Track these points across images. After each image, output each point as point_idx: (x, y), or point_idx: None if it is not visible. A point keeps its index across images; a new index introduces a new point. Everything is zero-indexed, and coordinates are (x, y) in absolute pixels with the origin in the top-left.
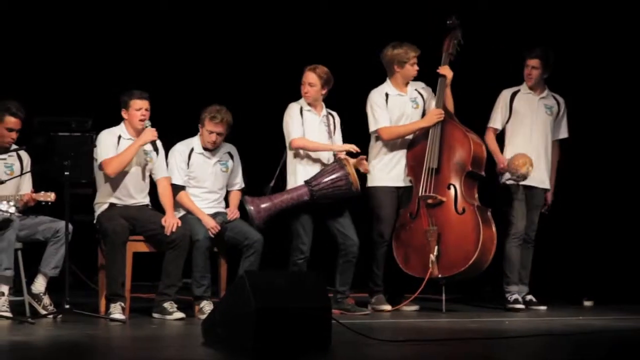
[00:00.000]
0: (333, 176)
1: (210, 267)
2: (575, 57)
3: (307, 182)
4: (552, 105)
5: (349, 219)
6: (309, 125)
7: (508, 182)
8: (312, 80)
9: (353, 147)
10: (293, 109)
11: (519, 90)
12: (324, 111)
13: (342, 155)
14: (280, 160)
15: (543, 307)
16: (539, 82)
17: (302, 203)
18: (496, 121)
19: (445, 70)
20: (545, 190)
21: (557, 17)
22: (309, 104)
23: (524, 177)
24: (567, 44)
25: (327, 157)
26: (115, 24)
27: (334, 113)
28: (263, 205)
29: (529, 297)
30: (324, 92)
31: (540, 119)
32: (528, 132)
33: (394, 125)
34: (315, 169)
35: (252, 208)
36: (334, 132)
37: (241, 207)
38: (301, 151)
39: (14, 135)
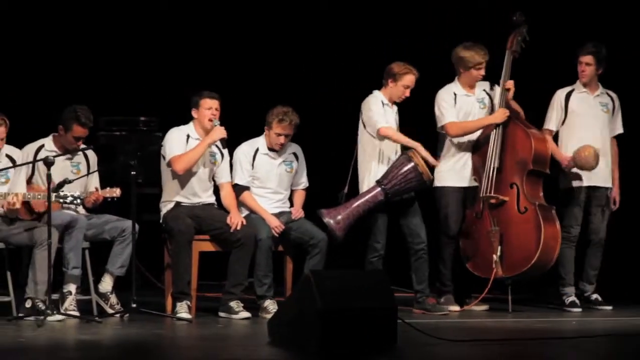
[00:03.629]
0: (402, 170)
1: (273, 267)
2: (625, 51)
3: (378, 182)
4: (607, 102)
5: (419, 217)
6: (388, 117)
7: (571, 186)
8: (412, 85)
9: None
10: (375, 100)
11: (573, 90)
12: (395, 107)
13: (412, 146)
14: (351, 163)
15: (609, 307)
16: (593, 79)
17: (378, 204)
18: (551, 122)
19: (509, 84)
20: (609, 189)
21: (608, 11)
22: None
23: (592, 167)
24: (618, 37)
25: (395, 152)
26: (186, 24)
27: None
28: (340, 216)
29: (595, 296)
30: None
31: (597, 117)
32: (585, 131)
33: (461, 121)
34: (384, 166)
35: (330, 221)
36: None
37: (306, 207)
38: (374, 148)
39: (80, 143)
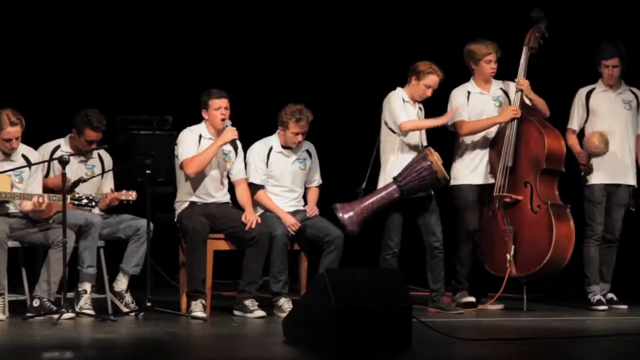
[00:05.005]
0: (417, 168)
1: (288, 264)
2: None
3: (395, 179)
4: (630, 100)
5: (436, 216)
6: (409, 115)
7: (593, 183)
8: (435, 85)
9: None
10: (396, 97)
11: (594, 89)
12: (418, 104)
13: (438, 123)
14: (370, 159)
15: (624, 306)
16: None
17: (393, 201)
18: (573, 122)
19: (522, 83)
20: (631, 187)
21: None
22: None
23: (602, 152)
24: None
25: (417, 150)
26: (196, 23)
27: (421, 106)
28: (354, 211)
29: (610, 295)
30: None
31: (619, 115)
32: (608, 130)
33: (471, 120)
34: (403, 164)
35: (344, 216)
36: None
37: (320, 204)
38: (395, 144)
39: (94, 145)
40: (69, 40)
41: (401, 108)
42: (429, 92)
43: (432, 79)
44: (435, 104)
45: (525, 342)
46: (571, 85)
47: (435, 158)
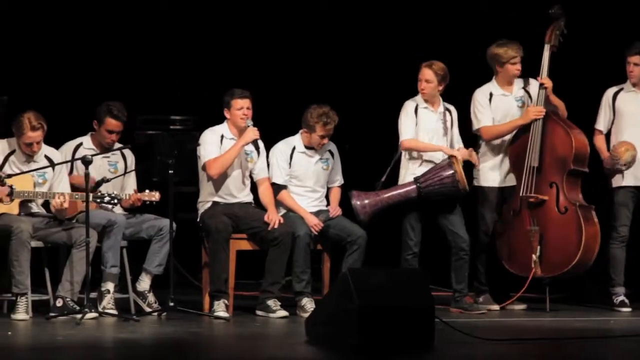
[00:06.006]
0: (441, 174)
1: (311, 264)
2: None
3: (416, 179)
4: None
5: (460, 216)
6: (424, 123)
7: (619, 185)
8: (429, 77)
9: (464, 153)
10: (408, 108)
11: (621, 89)
12: (441, 107)
13: (445, 153)
14: (394, 155)
15: None
16: None
17: (409, 200)
18: (600, 123)
19: (546, 81)
20: None
21: None
22: (426, 101)
23: (629, 164)
24: None
25: (439, 158)
26: (220, 24)
27: (452, 108)
28: (368, 201)
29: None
30: (440, 88)
31: None
32: (634, 130)
33: (494, 125)
34: (423, 167)
35: (357, 203)
36: (451, 128)
37: (343, 203)
38: (414, 152)
39: (114, 137)
40: (92, 40)
41: (408, 123)
42: (422, 85)
43: (423, 72)
44: (457, 105)
45: (548, 342)
46: (601, 85)
47: (459, 168)
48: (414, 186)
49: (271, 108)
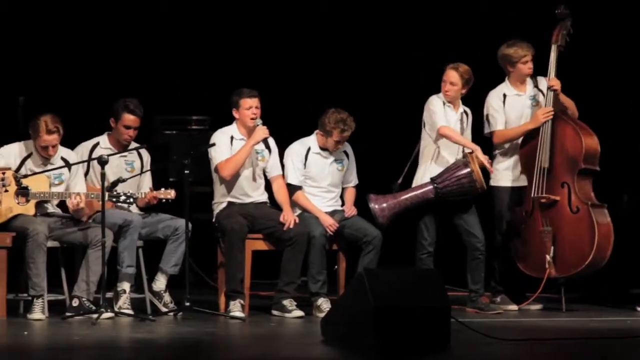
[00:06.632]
0: (457, 174)
1: (327, 264)
2: None
3: (432, 180)
4: None
5: (475, 216)
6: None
7: None
8: (454, 80)
9: (482, 158)
10: (436, 101)
11: None
12: (461, 108)
13: (471, 148)
14: (412, 154)
15: None
16: None
17: (427, 201)
18: None
19: (554, 82)
20: None
21: None
22: (448, 101)
23: None
24: None
25: (455, 154)
26: (231, 25)
27: (468, 110)
28: (387, 204)
29: None
30: (464, 91)
31: None
32: None
33: (504, 129)
34: (439, 167)
35: (376, 207)
36: (466, 129)
37: (358, 203)
38: (435, 146)
39: (131, 132)
40: (108, 41)
41: (441, 112)
42: (446, 87)
43: (448, 74)
44: (471, 106)
45: (564, 342)
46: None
47: (476, 167)
48: (431, 187)
49: (280, 107)
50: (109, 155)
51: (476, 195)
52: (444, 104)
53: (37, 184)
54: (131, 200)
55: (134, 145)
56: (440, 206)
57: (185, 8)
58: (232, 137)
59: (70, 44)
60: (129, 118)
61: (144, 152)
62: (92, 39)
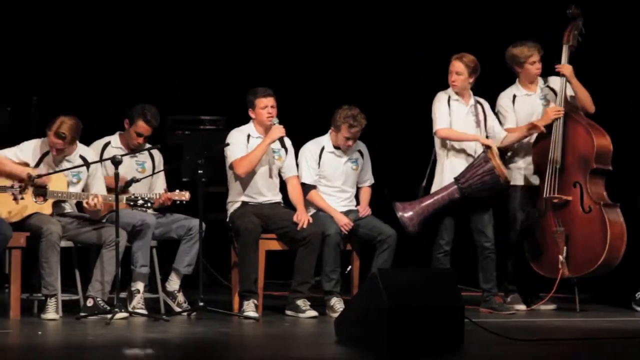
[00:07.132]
0: (480, 171)
1: (341, 263)
2: None
3: (456, 180)
4: None
5: (489, 215)
6: (455, 115)
7: None
8: (459, 69)
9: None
10: (440, 98)
11: None
12: (472, 100)
13: (490, 141)
14: (431, 158)
15: None
16: None
17: (453, 202)
18: None
19: (564, 68)
20: None
21: None
22: (457, 93)
23: None
24: None
25: (473, 147)
26: (247, 24)
27: (483, 101)
28: (414, 211)
29: None
30: (471, 80)
31: None
32: None
33: (513, 128)
34: (460, 161)
35: (404, 215)
36: (485, 120)
37: (373, 202)
38: (447, 144)
39: (141, 140)
40: (122, 41)
41: (441, 112)
42: (453, 77)
43: (453, 64)
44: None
45: (578, 342)
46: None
47: (497, 161)
48: (455, 187)
49: (297, 106)
50: (122, 155)
51: (502, 189)
52: (449, 99)
53: (54, 183)
54: (149, 204)
55: (147, 145)
56: (457, 206)
57: (201, 9)
58: (248, 136)
59: (84, 44)
60: (143, 127)
61: (155, 152)
62: (106, 39)
